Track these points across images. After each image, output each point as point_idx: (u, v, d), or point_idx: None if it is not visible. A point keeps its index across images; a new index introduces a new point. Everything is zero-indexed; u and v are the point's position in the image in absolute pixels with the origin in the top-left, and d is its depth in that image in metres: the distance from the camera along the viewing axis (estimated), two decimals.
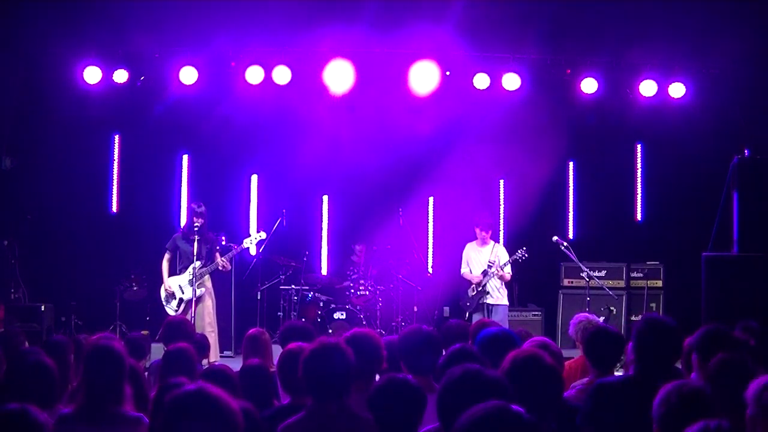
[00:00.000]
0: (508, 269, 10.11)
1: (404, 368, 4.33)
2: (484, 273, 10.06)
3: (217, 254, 9.71)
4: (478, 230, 10.25)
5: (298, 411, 3.72)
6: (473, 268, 10.22)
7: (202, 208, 9.66)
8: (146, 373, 5.53)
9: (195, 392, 2.50)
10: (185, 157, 12.37)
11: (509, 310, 10.54)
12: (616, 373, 5.05)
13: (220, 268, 9.68)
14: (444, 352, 4.38)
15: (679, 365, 4.75)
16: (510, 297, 10.62)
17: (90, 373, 3.90)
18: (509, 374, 3.35)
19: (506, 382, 3.18)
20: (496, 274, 9.96)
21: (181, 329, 5.95)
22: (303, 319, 10.73)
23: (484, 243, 10.26)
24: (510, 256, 10.06)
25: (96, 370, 3.88)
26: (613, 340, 4.82)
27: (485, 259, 10.15)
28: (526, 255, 10.00)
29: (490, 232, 10.29)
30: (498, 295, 10.10)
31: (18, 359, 4.28)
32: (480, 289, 10.05)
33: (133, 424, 3.85)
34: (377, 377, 4.18)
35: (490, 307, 9.99)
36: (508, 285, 10.39)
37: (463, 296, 10.33)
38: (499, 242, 10.70)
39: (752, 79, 10.91)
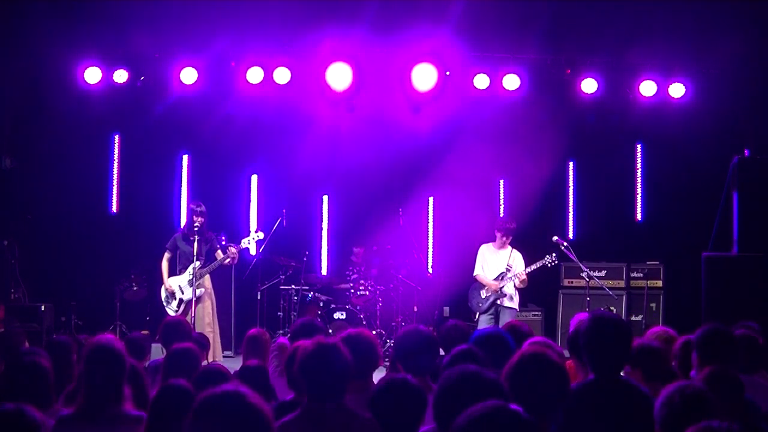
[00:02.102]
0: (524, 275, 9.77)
1: (401, 368, 4.31)
2: (501, 276, 9.74)
3: (219, 251, 9.68)
4: (498, 234, 9.88)
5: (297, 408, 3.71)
6: (488, 270, 9.86)
7: (202, 208, 9.63)
8: None
9: (230, 393, 2.46)
10: (185, 157, 12.38)
11: None
12: None
13: (227, 262, 9.63)
14: (442, 353, 4.36)
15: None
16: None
17: (90, 373, 3.87)
18: (516, 372, 3.30)
19: (504, 383, 3.16)
20: (513, 279, 9.66)
21: (179, 329, 5.95)
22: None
23: (502, 247, 9.90)
24: (539, 262, 9.68)
25: (96, 369, 3.85)
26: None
27: (502, 263, 9.81)
28: (556, 261, 9.75)
29: (510, 238, 9.90)
30: (512, 299, 9.81)
31: (14, 360, 4.27)
32: (498, 292, 9.72)
33: (135, 422, 3.81)
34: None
35: (499, 309, 9.73)
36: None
37: (474, 296, 9.93)
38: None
39: (752, 79, 10.90)
